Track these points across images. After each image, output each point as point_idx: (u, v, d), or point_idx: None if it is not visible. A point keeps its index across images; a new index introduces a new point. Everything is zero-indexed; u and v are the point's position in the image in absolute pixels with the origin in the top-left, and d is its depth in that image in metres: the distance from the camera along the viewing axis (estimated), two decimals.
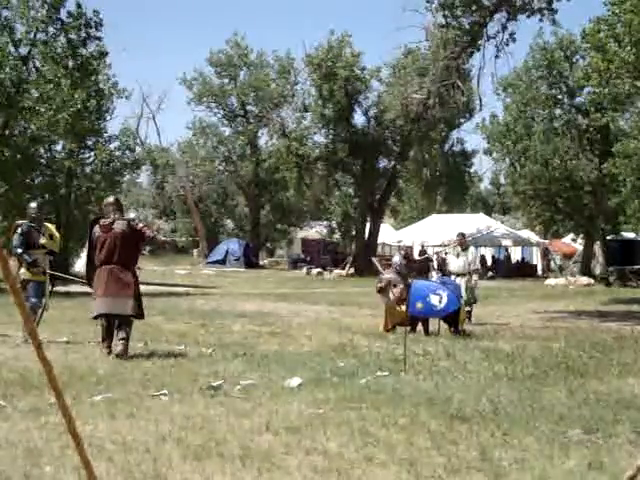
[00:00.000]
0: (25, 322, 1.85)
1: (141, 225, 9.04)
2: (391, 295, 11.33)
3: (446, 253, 12.78)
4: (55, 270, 9.92)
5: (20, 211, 21.91)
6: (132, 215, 10.33)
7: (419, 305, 10.13)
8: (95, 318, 8.55)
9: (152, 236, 9.22)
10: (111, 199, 8.98)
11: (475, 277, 12.67)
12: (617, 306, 18.22)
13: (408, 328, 9.85)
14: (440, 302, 10.23)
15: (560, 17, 21.65)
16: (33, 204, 10.13)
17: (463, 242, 12.33)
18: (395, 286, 11.37)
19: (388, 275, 11.82)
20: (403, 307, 10.97)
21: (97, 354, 8.45)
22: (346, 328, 11.81)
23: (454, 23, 18.44)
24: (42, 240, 9.62)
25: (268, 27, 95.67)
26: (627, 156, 22.68)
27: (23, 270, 9.48)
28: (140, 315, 8.60)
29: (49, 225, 10.15)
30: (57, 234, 10.15)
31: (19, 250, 9.44)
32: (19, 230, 9.58)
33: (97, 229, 8.59)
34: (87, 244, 9.00)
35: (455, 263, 12.11)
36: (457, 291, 11.45)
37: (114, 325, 8.36)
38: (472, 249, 12.44)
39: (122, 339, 8.22)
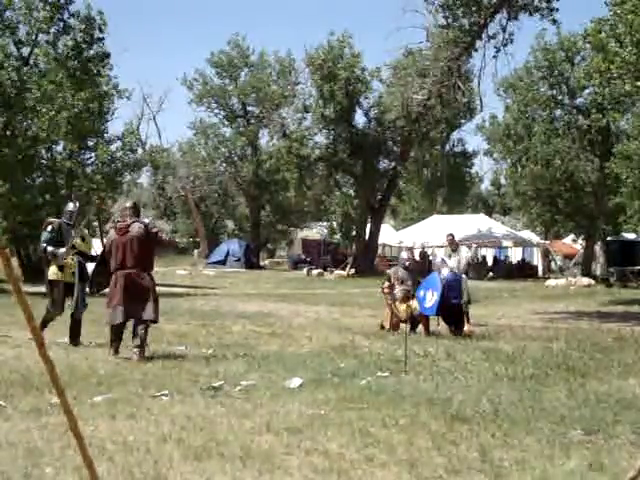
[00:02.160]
0: (28, 322, 1.86)
1: (156, 229, 8.88)
2: (397, 292, 11.28)
3: (427, 254, 12.73)
4: (84, 273, 9.46)
5: (21, 211, 22.00)
6: (146, 220, 10.28)
7: (421, 293, 10.90)
8: (115, 326, 8.24)
9: (167, 240, 9.07)
10: (129, 203, 8.85)
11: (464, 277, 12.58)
12: (618, 307, 18.22)
13: (408, 328, 9.85)
14: (429, 301, 10.79)
15: (562, 18, 21.65)
16: (71, 204, 9.95)
17: (452, 242, 12.25)
18: (402, 282, 11.33)
19: (393, 271, 11.77)
20: (404, 306, 10.98)
21: (98, 354, 8.45)
22: (347, 328, 11.81)
23: (455, 24, 18.44)
24: (74, 240, 9.41)
25: (269, 28, 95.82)
26: (628, 157, 22.69)
27: (52, 270, 9.29)
28: (154, 321, 8.32)
29: (82, 227, 10.07)
30: (89, 236, 10.01)
31: (43, 245, 9.27)
32: (49, 228, 9.38)
33: (112, 233, 8.47)
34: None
35: (448, 264, 12.04)
36: (457, 292, 11.41)
37: (124, 329, 8.23)
38: (464, 249, 12.32)
39: (137, 346, 8.03)
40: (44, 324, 9.13)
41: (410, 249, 12.12)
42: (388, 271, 11.91)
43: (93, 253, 9.99)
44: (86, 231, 10.23)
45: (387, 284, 11.39)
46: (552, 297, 21.40)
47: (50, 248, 9.21)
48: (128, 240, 8.23)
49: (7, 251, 1.77)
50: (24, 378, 6.71)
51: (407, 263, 11.60)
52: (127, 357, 8.11)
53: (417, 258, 24.86)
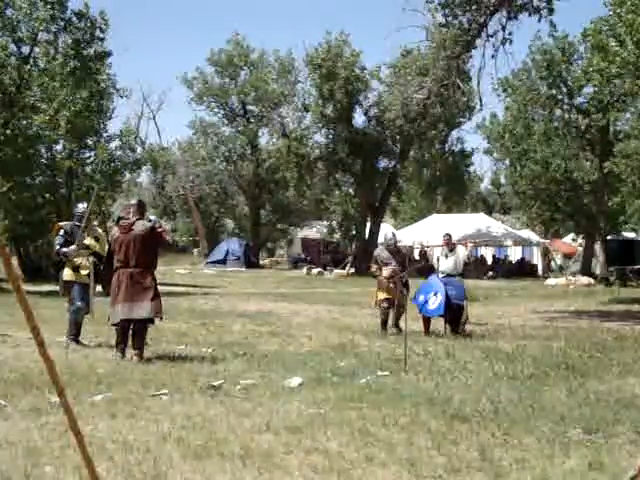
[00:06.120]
0: (27, 320, 1.86)
1: (161, 229, 8.64)
2: (384, 271, 11.44)
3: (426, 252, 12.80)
4: (97, 273, 9.37)
5: (21, 210, 21.99)
6: (152, 218, 10.20)
7: (421, 297, 11.04)
8: (114, 325, 8.17)
9: (168, 242, 8.90)
10: (134, 201, 8.75)
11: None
12: (617, 306, 18.21)
13: (404, 327, 9.81)
14: (433, 304, 10.91)
15: (561, 18, 21.56)
16: (81, 204, 9.90)
17: (449, 242, 12.25)
18: (386, 264, 11.47)
19: (376, 253, 12.01)
20: (390, 285, 11.26)
21: (98, 354, 8.45)
22: (346, 328, 11.82)
23: (454, 22, 18.39)
24: (87, 241, 9.35)
25: (269, 27, 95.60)
26: (627, 156, 22.68)
27: (66, 271, 9.25)
28: (151, 320, 8.23)
29: (96, 227, 9.99)
30: (103, 236, 9.90)
31: (57, 247, 9.23)
32: (61, 232, 9.36)
33: (116, 230, 8.35)
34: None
35: (445, 264, 12.00)
36: (460, 291, 11.41)
37: (129, 330, 8.14)
38: (460, 248, 12.27)
39: (137, 349, 8.00)
40: (77, 327, 9.11)
41: (406, 252, 12.24)
42: (375, 254, 12.06)
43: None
44: (100, 231, 10.11)
45: (375, 266, 11.69)
46: (552, 296, 21.40)
47: (64, 250, 9.21)
48: (131, 238, 8.13)
49: (7, 250, 1.77)
50: (24, 377, 6.70)
51: (389, 243, 11.88)
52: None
53: (417, 258, 24.74)
